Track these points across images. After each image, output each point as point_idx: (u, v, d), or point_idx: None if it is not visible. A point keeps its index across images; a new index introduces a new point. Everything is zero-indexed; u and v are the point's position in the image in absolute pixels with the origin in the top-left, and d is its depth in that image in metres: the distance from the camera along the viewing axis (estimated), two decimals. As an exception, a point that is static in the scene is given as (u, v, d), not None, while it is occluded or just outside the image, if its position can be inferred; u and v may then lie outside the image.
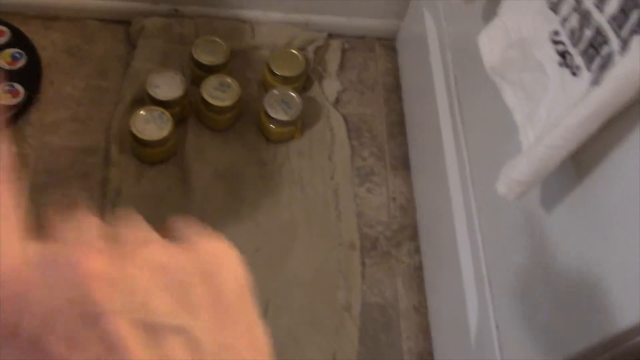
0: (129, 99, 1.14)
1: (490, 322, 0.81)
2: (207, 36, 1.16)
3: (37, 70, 1.15)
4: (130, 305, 0.24)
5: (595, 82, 0.51)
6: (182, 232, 0.29)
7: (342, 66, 1.28)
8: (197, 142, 1.13)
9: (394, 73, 1.29)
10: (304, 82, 1.20)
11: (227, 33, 1.23)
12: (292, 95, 1.13)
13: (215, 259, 0.28)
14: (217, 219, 1.07)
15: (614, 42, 0.49)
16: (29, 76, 1.14)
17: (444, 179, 0.97)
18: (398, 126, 1.23)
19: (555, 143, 0.52)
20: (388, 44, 1.32)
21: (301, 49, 1.24)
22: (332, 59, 1.27)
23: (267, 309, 1.01)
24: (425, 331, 1.04)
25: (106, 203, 1.05)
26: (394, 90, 1.27)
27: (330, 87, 1.24)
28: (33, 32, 1.19)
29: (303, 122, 1.17)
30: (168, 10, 1.23)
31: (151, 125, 1.05)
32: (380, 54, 1.31)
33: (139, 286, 0.25)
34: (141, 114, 1.06)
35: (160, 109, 1.07)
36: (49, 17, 1.22)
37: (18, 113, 1.10)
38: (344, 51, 1.29)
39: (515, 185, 0.58)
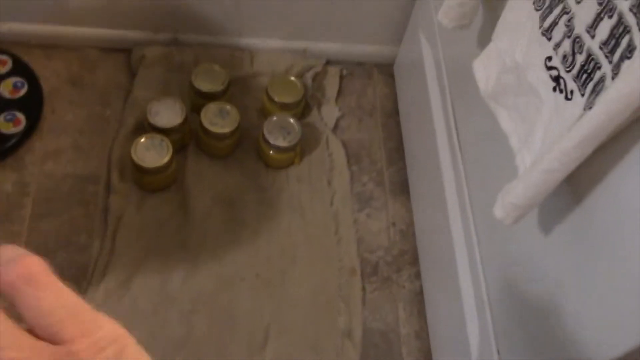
0: (129, 126, 1.15)
1: (492, 346, 0.80)
2: (206, 64, 1.18)
3: (39, 98, 1.16)
4: None
5: (589, 106, 0.51)
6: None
7: (340, 92, 1.29)
8: (197, 168, 1.13)
9: (392, 98, 1.30)
10: (302, 108, 1.21)
11: (226, 61, 1.24)
12: (291, 122, 1.14)
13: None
14: (217, 245, 1.07)
15: (606, 67, 0.50)
16: (31, 105, 1.15)
17: (442, 203, 0.97)
18: (397, 151, 1.23)
19: (550, 166, 0.53)
20: (386, 69, 1.34)
21: (299, 75, 1.25)
22: (331, 85, 1.28)
23: (268, 334, 1.01)
24: (426, 357, 1.03)
25: (107, 231, 1.05)
26: (392, 115, 1.28)
27: (328, 113, 1.25)
28: (34, 61, 1.21)
29: (302, 148, 1.18)
30: (168, 39, 1.25)
31: (151, 153, 1.06)
32: (378, 80, 1.33)
33: None
34: (142, 142, 1.07)
35: (161, 136, 1.07)
36: (50, 46, 1.24)
37: (19, 141, 1.11)
38: (342, 77, 1.31)
39: (512, 209, 0.58)
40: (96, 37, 1.24)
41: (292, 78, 1.20)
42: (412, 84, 1.20)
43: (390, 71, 1.34)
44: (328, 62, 1.31)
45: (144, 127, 1.13)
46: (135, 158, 1.05)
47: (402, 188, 1.19)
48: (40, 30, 1.22)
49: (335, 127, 1.24)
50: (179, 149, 1.13)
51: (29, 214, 1.06)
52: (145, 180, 1.08)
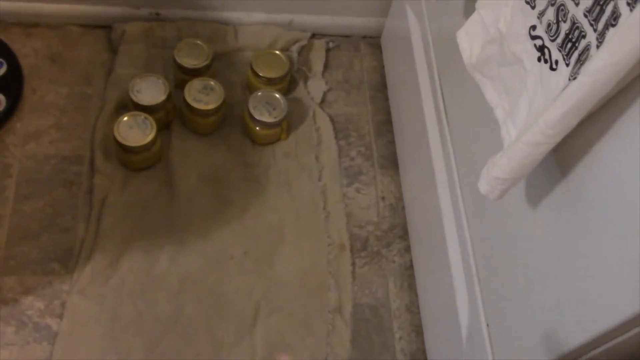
0: (112, 105, 1.13)
1: (481, 320, 0.80)
2: (189, 39, 1.15)
3: (19, 78, 1.14)
4: None
5: (574, 76, 0.50)
6: None
7: (327, 66, 1.27)
8: (182, 146, 1.12)
9: (380, 71, 1.28)
10: (288, 83, 1.19)
11: (210, 36, 1.22)
12: (276, 97, 1.12)
13: None
14: (204, 223, 1.06)
15: (591, 36, 0.49)
16: (11, 84, 1.12)
17: (431, 176, 0.96)
18: (385, 124, 1.22)
19: (535, 139, 0.51)
20: (373, 42, 1.31)
21: (285, 49, 1.23)
22: (317, 58, 1.26)
23: (257, 312, 1.00)
24: (417, 331, 1.03)
25: (92, 211, 1.04)
26: (380, 88, 1.26)
27: (315, 87, 1.23)
28: (14, 40, 1.18)
29: (289, 124, 1.16)
30: (149, 14, 1.22)
31: (135, 131, 1.04)
32: (366, 53, 1.30)
33: None
34: (125, 120, 1.05)
35: (144, 114, 1.06)
36: (29, 24, 1.21)
37: (0, 122, 1.09)
38: (328, 50, 1.28)
39: (497, 183, 0.57)
40: (76, 14, 1.21)
41: (277, 52, 1.18)
42: (400, 56, 1.18)
43: (377, 43, 1.32)
44: (314, 35, 1.29)
45: (127, 105, 1.11)
46: (118, 137, 1.03)
47: (391, 162, 1.18)
48: (19, 8, 1.19)
49: (322, 101, 1.22)
50: (163, 127, 1.12)
51: (12, 196, 1.04)
52: (129, 160, 1.07)
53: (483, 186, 0.59)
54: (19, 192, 1.05)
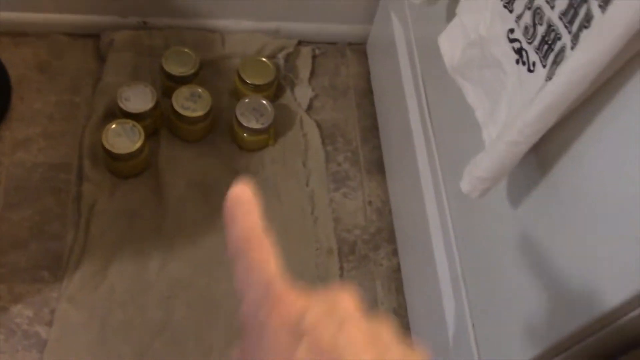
0: (100, 113, 1.13)
1: (467, 320, 0.81)
2: (176, 47, 1.16)
3: (7, 87, 1.15)
4: None
5: (550, 77, 0.51)
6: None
7: (313, 72, 1.28)
8: (170, 153, 1.12)
9: (366, 77, 1.30)
10: (275, 89, 1.21)
11: (197, 43, 1.23)
12: (263, 103, 1.13)
13: None
14: (192, 230, 1.06)
15: (566, 37, 0.50)
16: (-2, 94, 1.13)
17: (416, 180, 0.97)
18: (371, 130, 1.23)
19: (514, 138, 0.53)
20: (359, 48, 1.33)
21: (271, 56, 1.24)
22: (303, 65, 1.27)
23: (246, 317, 1.01)
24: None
25: (80, 219, 1.04)
26: (366, 94, 1.28)
27: (302, 93, 1.24)
28: (2, 49, 1.19)
29: (276, 130, 1.17)
30: (137, 23, 1.23)
31: (123, 139, 1.05)
32: (351, 59, 1.32)
33: None
34: (112, 128, 1.06)
35: (132, 122, 1.06)
36: (17, 34, 1.22)
37: (-12, 131, 1.09)
38: (314, 57, 1.30)
39: (478, 182, 0.58)
40: (64, 23, 1.22)
41: (264, 59, 1.19)
42: (385, 62, 1.20)
43: (363, 50, 1.33)
44: (300, 43, 1.30)
45: (115, 113, 1.12)
46: (106, 144, 1.04)
47: (378, 167, 1.19)
48: (6, 18, 1.20)
49: (309, 107, 1.24)
50: (151, 134, 1.12)
51: (0, 204, 1.04)
52: (117, 167, 1.07)
53: (465, 185, 0.60)
54: (8, 201, 1.05)
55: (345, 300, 0.29)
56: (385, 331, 0.29)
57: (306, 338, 0.27)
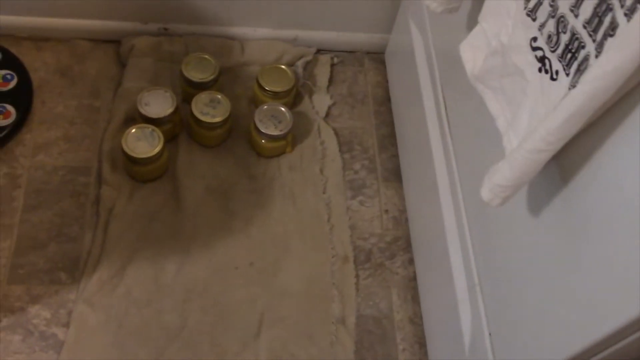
0: (120, 117, 1.14)
1: (484, 330, 0.81)
2: (196, 54, 1.17)
3: (29, 90, 1.16)
4: None
5: (574, 85, 0.51)
6: None
7: (331, 80, 1.29)
8: (188, 158, 1.13)
9: (384, 86, 1.30)
10: (294, 97, 1.21)
11: (217, 50, 1.24)
12: (282, 110, 1.14)
13: None
14: (209, 235, 1.07)
15: (590, 46, 0.50)
16: (21, 97, 1.15)
17: (434, 189, 0.97)
18: (389, 138, 1.23)
19: (535, 147, 0.53)
20: (377, 57, 1.33)
21: (290, 64, 1.25)
22: (322, 73, 1.28)
23: (262, 323, 1.01)
24: (420, 342, 1.03)
25: (99, 222, 1.05)
26: (384, 102, 1.28)
27: (320, 101, 1.25)
28: (24, 54, 1.20)
29: (294, 137, 1.17)
30: (157, 29, 1.25)
31: (142, 143, 1.06)
32: (370, 68, 1.32)
33: None
34: (132, 132, 1.07)
35: (152, 127, 1.07)
36: (40, 38, 1.23)
37: (9, 134, 1.11)
38: (333, 65, 1.30)
39: (499, 190, 0.58)
40: (85, 29, 1.24)
41: (283, 67, 1.20)
42: (403, 71, 1.20)
43: (381, 59, 1.34)
44: (319, 51, 1.31)
45: (135, 117, 1.13)
46: (126, 149, 1.05)
47: (395, 175, 1.19)
48: (30, 23, 1.22)
49: (327, 115, 1.24)
50: (170, 139, 1.13)
51: (20, 206, 1.06)
52: (136, 171, 1.08)
53: (485, 193, 0.60)
54: (28, 203, 1.06)
55: None
56: None
57: None
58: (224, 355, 0.98)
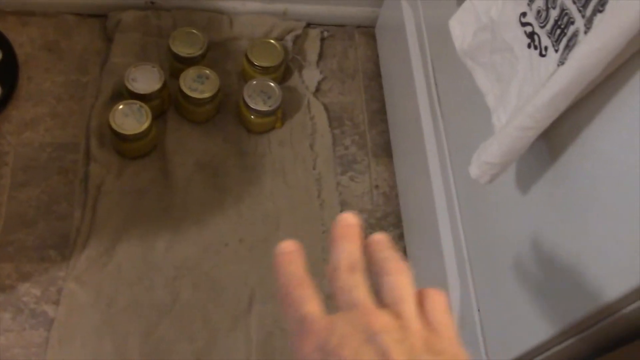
0: (107, 93, 1.13)
1: (472, 305, 0.81)
2: (184, 28, 1.16)
3: (14, 66, 1.14)
4: None
5: (562, 62, 0.51)
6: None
7: (321, 55, 1.27)
8: (177, 134, 1.12)
9: (374, 60, 1.29)
10: (283, 72, 1.20)
11: (205, 24, 1.22)
12: (271, 86, 1.13)
13: None
14: (199, 211, 1.07)
15: (579, 22, 0.49)
16: (6, 73, 1.13)
17: (424, 164, 0.97)
18: (379, 113, 1.23)
19: (524, 124, 0.52)
20: (367, 31, 1.32)
21: (280, 38, 1.24)
22: (312, 48, 1.27)
23: (252, 299, 1.01)
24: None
25: (87, 199, 1.04)
26: (375, 77, 1.27)
27: (310, 76, 1.24)
28: (9, 29, 1.18)
29: (283, 112, 1.17)
30: (144, 3, 1.22)
31: (130, 119, 1.05)
32: (360, 42, 1.31)
33: None
34: (120, 108, 1.05)
35: (139, 103, 1.06)
36: (25, 13, 1.21)
37: (-4, 110, 1.09)
38: (323, 40, 1.29)
39: (487, 167, 0.58)
40: (71, 3, 1.21)
41: (272, 41, 1.19)
42: (394, 45, 1.19)
43: (371, 33, 1.32)
44: (309, 25, 1.29)
45: (122, 93, 1.11)
46: (113, 125, 1.04)
47: (385, 150, 1.19)
48: (15, -3, 1.20)
49: (317, 90, 1.23)
50: (158, 115, 1.12)
51: (8, 184, 1.05)
52: (124, 148, 1.07)
53: (474, 170, 0.60)
54: (15, 180, 1.05)
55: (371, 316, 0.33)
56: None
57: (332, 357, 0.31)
58: (215, 331, 0.98)
